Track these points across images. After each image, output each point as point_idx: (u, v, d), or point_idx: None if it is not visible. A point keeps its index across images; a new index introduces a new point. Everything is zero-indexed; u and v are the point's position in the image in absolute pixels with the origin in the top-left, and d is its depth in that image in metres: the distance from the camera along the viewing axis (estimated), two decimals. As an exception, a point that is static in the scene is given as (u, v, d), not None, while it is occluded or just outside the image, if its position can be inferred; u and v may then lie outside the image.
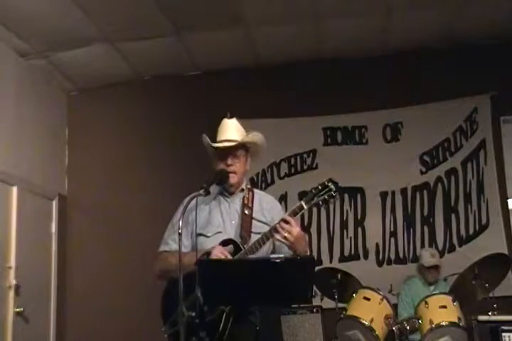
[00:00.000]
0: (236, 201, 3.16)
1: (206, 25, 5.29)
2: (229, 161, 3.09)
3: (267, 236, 2.92)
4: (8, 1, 4.64)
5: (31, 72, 5.74)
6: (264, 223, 3.10)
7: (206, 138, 3.15)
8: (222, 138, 3.12)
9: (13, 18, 4.91)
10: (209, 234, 3.05)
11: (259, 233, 3.00)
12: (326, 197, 2.92)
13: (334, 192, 2.92)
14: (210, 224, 3.08)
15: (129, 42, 5.53)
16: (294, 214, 2.91)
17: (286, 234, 2.85)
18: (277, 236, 2.87)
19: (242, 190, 3.19)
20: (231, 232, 3.05)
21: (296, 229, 2.86)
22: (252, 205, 3.13)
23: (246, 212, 3.09)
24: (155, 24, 5.20)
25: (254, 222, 3.08)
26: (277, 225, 2.88)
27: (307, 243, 3.06)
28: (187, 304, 2.73)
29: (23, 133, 5.52)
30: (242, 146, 3.14)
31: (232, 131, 3.14)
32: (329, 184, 2.93)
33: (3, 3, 4.65)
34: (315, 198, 2.92)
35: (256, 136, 3.16)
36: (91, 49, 5.54)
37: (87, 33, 5.25)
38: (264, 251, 2.99)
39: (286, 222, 2.86)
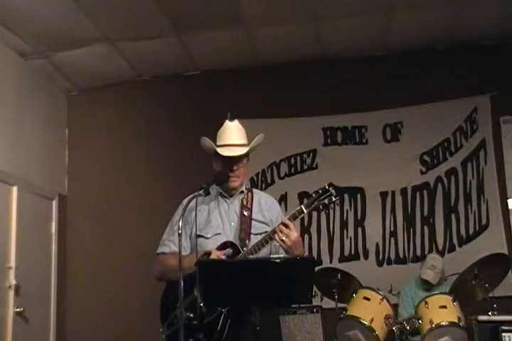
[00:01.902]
0: (235, 202, 3.15)
1: (206, 25, 5.28)
2: (234, 167, 3.07)
3: (266, 240, 2.92)
4: (8, 1, 4.64)
5: (31, 72, 5.74)
6: (263, 223, 3.10)
7: (210, 142, 3.11)
8: (227, 143, 3.08)
9: (13, 18, 4.91)
10: (208, 236, 3.05)
11: (258, 234, 3.00)
12: (326, 202, 2.91)
13: (335, 197, 2.91)
14: (209, 226, 3.07)
15: (129, 42, 5.53)
16: (293, 218, 2.92)
17: (284, 238, 2.86)
18: (276, 239, 2.88)
19: (242, 191, 3.18)
20: (230, 234, 3.05)
21: (294, 234, 2.87)
22: (252, 206, 3.12)
23: (245, 213, 3.08)
24: (155, 24, 5.20)
25: (253, 222, 3.07)
26: (277, 228, 2.89)
27: (303, 248, 3.06)
28: (185, 305, 2.73)
29: (23, 133, 5.52)
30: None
31: (236, 134, 3.11)
32: (330, 188, 2.92)
33: (3, 3, 4.65)
34: (315, 202, 2.92)
35: (259, 139, 3.14)
36: (91, 49, 5.54)
37: (87, 33, 5.25)
38: (263, 253, 2.99)
39: (286, 226, 2.87)
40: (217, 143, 3.10)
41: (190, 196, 2.93)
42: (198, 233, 2.98)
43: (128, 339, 5.55)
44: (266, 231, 3.01)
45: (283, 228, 2.87)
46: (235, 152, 3.05)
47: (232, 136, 3.10)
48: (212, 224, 3.08)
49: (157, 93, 6.23)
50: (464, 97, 5.79)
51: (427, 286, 4.95)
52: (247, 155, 3.11)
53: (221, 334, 2.79)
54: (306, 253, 5.66)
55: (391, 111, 5.92)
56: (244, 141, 3.11)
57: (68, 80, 6.18)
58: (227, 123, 3.15)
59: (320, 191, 2.93)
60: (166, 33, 5.38)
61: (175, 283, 2.66)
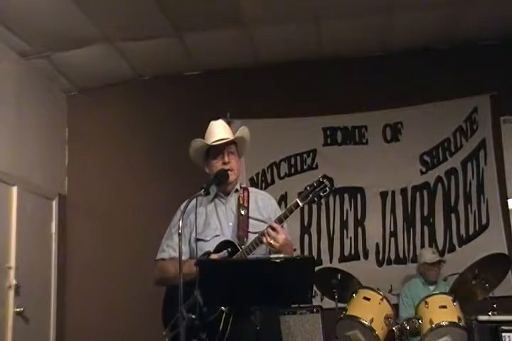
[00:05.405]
0: (232, 201, 3.16)
1: (206, 25, 5.28)
2: (226, 158, 3.10)
3: (256, 242, 2.92)
4: (8, 1, 4.64)
5: (31, 72, 5.74)
6: (261, 221, 3.10)
7: (200, 141, 3.14)
8: (216, 139, 3.11)
9: (13, 18, 4.91)
10: (207, 239, 3.05)
11: (256, 232, 3.00)
12: (322, 194, 2.90)
13: (329, 188, 2.90)
14: (208, 228, 3.08)
15: (129, 42, 5.53)
16: (289, 212, 2.91)
17: (271, 241, 2.85)
18: (264, 242, 2.88)
19: (237, 190, 3.19)
20: (228, 234, 3.06)
21: (281, 237, 2.86)
22: (248, 204, 3.13)
23: (242, 212, 3.09)
24: (155, 24, 5.20)
25: (250, 221, 3.08)
26: (265, 231, 2.89)
27: (293, 250, 3.06)
28: (187, 306, 2.73)
29: (23, 133, 5.51)
30: (235, 143, 3.16)
31: (222, 130, 3.15)
32: (324, 180, 2.91)
33: (3, 3, 4.65)
34: (310, 195, 2.91)
35: (245, 130, 3.18)
36: (91, 49, 5.54)
37: (87, 33, 5.25)
38: (263, 249, 2.99)
39: (273, 229, 2.87)
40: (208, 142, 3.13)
41: (187, 200, 2.93)
42: (197, 237, 2.98)
43: (128, 339, 5.55)
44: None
45: (270, 231, 2.87)
46: (221, 142, 3.09)
47: (220, 133, 3.13)
48: (210, 227, 3.08)
49: (157, 93, 6.23)
50: (464, 97, 5.79)
51: (432, 278, 4.99)
52: (233, 144, 3.13)
53: (224, 333, 2.80)
54: (306, 253, 5.70)
55: (391, 111, 5.92)
56: (229, 135, 3.14)
57: (68, 80, 6.18)
58: (212, 122, 3.20)
59: (314, 183, 2.92)
60: (166, 33, 5.38)
61: (176, 287, 2.66)
